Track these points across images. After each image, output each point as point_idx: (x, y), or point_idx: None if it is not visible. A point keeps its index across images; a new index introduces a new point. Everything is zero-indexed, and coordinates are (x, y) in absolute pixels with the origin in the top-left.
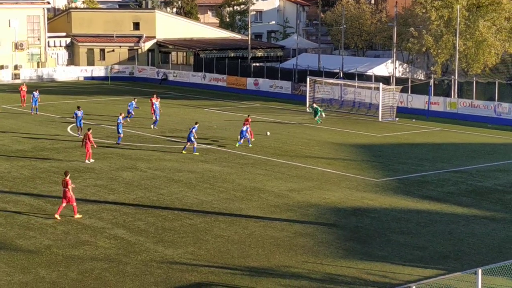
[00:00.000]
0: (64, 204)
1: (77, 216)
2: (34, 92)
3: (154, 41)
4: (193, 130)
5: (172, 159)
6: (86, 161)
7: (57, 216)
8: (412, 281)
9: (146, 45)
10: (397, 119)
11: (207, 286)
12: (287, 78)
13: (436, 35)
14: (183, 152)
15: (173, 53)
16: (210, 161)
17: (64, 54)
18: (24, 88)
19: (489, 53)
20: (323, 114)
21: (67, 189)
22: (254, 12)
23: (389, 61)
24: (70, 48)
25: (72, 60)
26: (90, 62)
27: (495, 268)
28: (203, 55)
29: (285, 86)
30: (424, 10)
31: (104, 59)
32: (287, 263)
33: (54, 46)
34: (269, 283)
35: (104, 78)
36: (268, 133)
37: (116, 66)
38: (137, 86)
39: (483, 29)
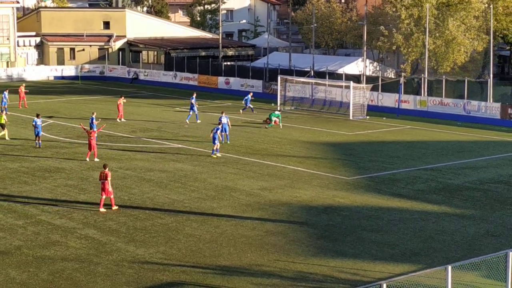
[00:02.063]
0: (104, 197)
1: (115, 208)
2: (5, 92)
3: (125, 40)
4: (218, 131)
5: (143, 159)
6: (87, 159)
7: (102, 209)
8: (383, 279)
9: (117, 44)
10: (367, 117)
11: (178, 285)
12: (258, 77)
13: (406, 34)
14: (214, 156)
15: (144, 52)
16: (181, 160)
17: (33, 54)
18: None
19: (458, 52)
20: (281, 125)
21: (106, 181)
22: (225, 11)
23: (360, 59)
24: (40, 47)
25: (42, 59)
26: (60, 62)
27: (464, 264)
28: (174, 54)
29: (256, 85)
30: (394, 9)
31: (74, 58)
32: (259, 261)
33: (24, 46)
34: (241, 282)
35: (75, 78)
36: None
37: (87, 66)
38: (107, 86)
39: (453, 28)
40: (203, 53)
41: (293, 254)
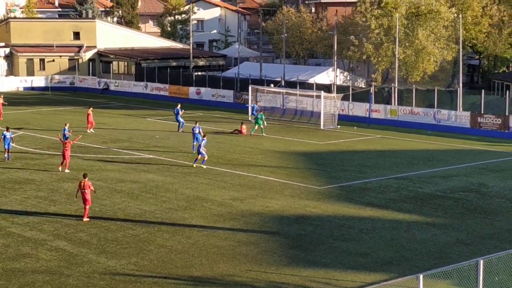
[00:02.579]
0: (87, 206)
1: (86, 219)
2: None
3: (95, 50)
4: (203, 143)
5: (114, 169)
6: (60, 169)
7: (85, 219)
8: None
9: (87, 55)
10: (338, 126)
11: None
12: (229, 87)
13: (376, 43)
14: (194, 165)
15: (115, 63)
16: (152, 171)
17: (3, 65)
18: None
19: (428, 61)
20: (264, 123)
21: (85, 191)
22: (196, 21)
23: (330, 69)
24: (9, 58)
25: (12, 70)
26: (30, 72)
27: (436, 273)
28: (144, 64)
29: (227, 95)
30: (364, 19)
31: (44, 69)
32: (231, 272)
33: None
34: None
35: (45, 89)
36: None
37: (57, 76)
38: (78, 96)
39: (422, 38)
40: (174, 63)
41: (265, 264)
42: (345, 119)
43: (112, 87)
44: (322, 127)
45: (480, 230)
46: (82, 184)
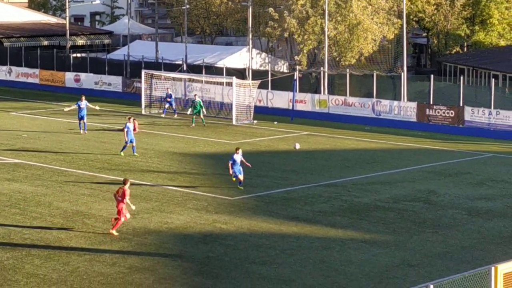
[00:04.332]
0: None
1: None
2: None
3: None
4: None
5: None
6: None
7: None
8: None
9: None
10: (255, 121)
11: None
12: (117, 72)
13: (301, 18)
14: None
15: None
16: (19, 179)
17: None
18: None
19: (365, 39)
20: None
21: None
22: None
23: (244, 49)
24: None
25: None
26: None
27: None
28: (7, 43)
29: (114, 83)
30: None
31: None
32: None
33: None
34: None
35: None
36: (297, 146)
37: None
38: None
39: (357, 10)
40: (46, 43)
41: None
42: (263, 112)
43: None
44: (234, 122)
45: (429, 249)
46: (120, 191)
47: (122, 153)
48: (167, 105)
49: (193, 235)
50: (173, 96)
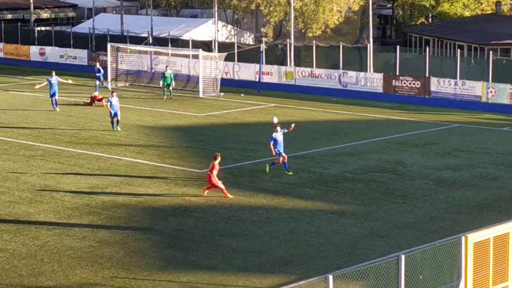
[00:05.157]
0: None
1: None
2: None
3: None
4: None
5: None
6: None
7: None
8: None
9: None
10: (221, 94)
11: None
12: (82, 45)
13: None
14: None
15: None
16: None
17: None
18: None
19: (330, 11)
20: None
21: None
22: None
23: (210, 22)
24: None
25: None
26: None
27: (347, 272)
28: None
29: (80, 56)
30: None
31: None
32: (92, 279)
33: None
34: None
35: None
36: (275, 119)
37: None
38: None
39: None
40: (10, 16)
41: (134, 269)
42: (229, 85)
43: None
44: (201, 95)
45: (398, 219)
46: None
47: (118, 128)
48: (97, 82)
49: (162, 208)
50: (101, 71)
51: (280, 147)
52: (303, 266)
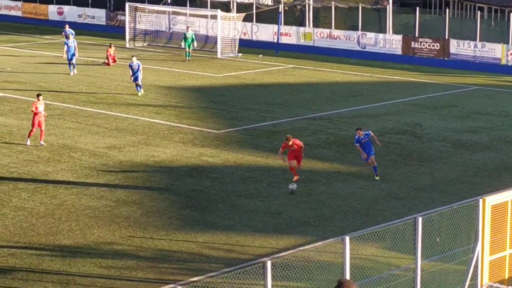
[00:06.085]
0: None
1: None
2: None
3: None
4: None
5: None
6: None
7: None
8: (264, 255)
9: None
10: (240, 54)
11: (7, 272)
12: (101, 5)
13: None
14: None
15: None
16: (4, 113)
17: None
18: None
19: None
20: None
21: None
22: None
23: None
24: None
25: None
26: None
27: (364, 234)
28: None
29: (98, 16)
30: None
31: None
32: (109, 238)
33: None
34: (87, 265)
35: None
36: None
37: None
38: None
39: None
40: None
41: (151, 229)
42: (248, 45)
43: None
44: (219, 56)
45: (415, 181)
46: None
47: (141, 91)
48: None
49: (179, 168)
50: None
51: (369, 149)
52: (320, 228)
